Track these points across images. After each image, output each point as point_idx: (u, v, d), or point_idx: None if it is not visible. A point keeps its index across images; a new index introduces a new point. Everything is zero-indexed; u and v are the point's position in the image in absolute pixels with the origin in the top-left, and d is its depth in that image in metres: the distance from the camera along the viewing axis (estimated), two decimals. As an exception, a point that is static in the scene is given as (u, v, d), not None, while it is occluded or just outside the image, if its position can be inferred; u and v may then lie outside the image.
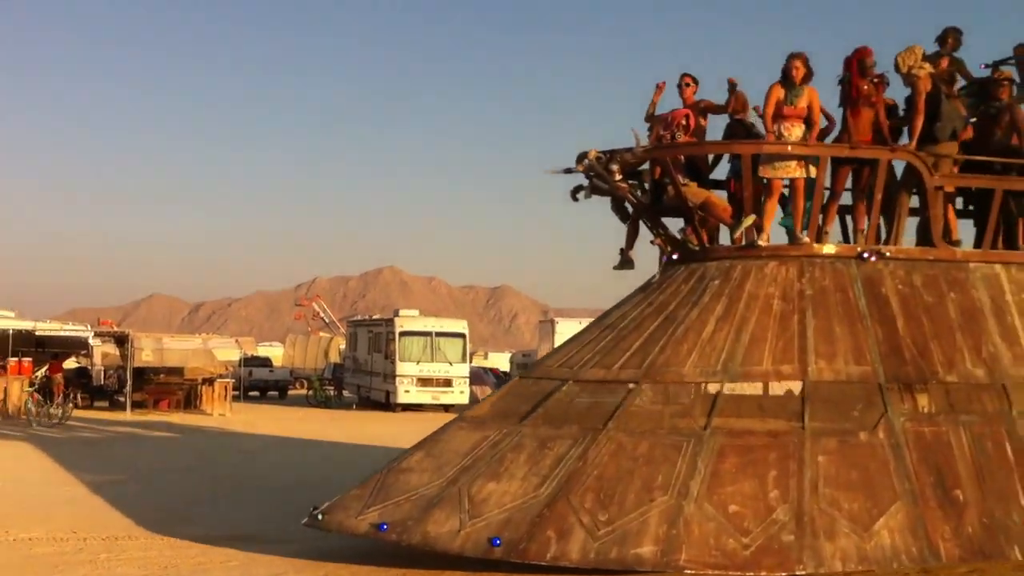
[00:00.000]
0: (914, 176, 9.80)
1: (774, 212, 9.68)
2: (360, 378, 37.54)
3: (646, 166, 10.11)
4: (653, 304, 9.77)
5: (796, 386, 8.91)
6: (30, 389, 26.92)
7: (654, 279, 10.19)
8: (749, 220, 9.52)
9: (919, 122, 9.72)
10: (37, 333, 31.48)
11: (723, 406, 8.77)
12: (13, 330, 29.39)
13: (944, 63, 11.17)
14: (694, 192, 9.63)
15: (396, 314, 34.97)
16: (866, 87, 9.57)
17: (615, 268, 10.67)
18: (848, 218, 10.51)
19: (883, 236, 10.11)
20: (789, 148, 9.42)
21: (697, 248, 10.03)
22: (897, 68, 9.71)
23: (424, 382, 32.15)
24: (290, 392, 44.24)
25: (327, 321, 75.06)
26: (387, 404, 33.26)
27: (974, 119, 10.48)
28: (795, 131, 9.42)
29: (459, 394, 32.12)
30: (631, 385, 9.01)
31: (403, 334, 32.39)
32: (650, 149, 9.56)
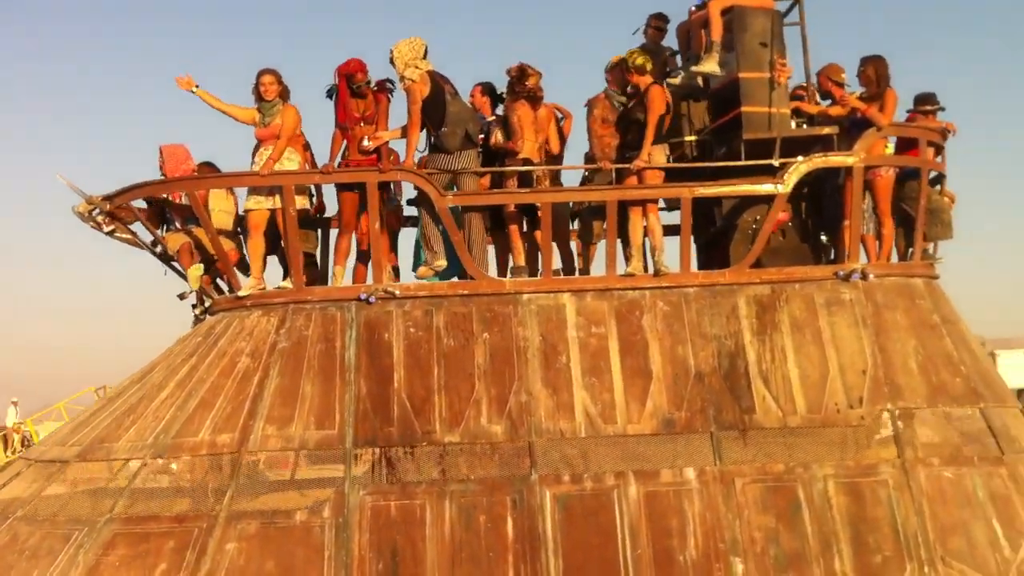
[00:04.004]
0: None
1: (260, 250, 8.25)
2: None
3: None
4: (145, 369, 8.54)
5: (228, 459, 7.39)
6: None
7: None
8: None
9: (414, 136, 8.12)
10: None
11: (137, 486, 7.38)
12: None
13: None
14: (172, 239, 8.40)
15: None
16: (362, 106, 8.12)
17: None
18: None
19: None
20: (265, 174, 8.01)
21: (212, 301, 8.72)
22: (393, 64, 8.17)
23: None
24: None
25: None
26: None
27: None
28: (266, 155, 8.04)
29: None
30: (58, 465, 7.78)
31: None
32: (110, 196, 8.39)
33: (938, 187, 9.04)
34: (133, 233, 8.68)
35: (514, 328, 7.96)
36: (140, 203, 8.65)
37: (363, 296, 7.95)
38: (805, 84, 9.19)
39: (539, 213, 8.21)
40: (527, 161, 8.60)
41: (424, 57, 8.04)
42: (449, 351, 7.84)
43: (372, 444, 7.45)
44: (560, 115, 9.15)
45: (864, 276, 8.26)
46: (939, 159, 9.01)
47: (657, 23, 9.90)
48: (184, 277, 8.62)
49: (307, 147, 8.56)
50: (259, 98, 8.11)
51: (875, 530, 7.32)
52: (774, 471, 7.49)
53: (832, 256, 9.03)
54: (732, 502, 7.35)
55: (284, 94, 8.14)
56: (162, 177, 8.42)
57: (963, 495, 7.46)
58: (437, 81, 8.06)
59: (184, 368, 8.00)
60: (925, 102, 8.97)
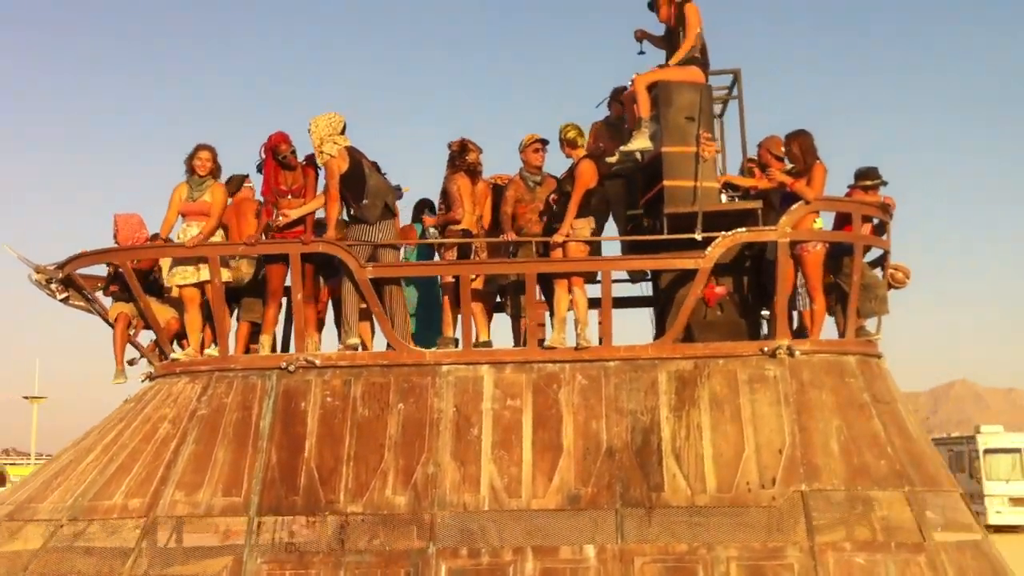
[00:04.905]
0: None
1: (197, 323, 8.52)
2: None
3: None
4: (89, 433, 8.83)
5: (135, 524, 7.59)
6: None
7: None
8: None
9: (333, 210, 8.35)
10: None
11: (51, 547, 7.61)
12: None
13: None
14: (112, 309, 8.76)
15: (977, 431, 32.58)
16: (290, 179, 8.44)
17: None
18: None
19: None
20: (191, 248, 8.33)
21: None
22: (310, 137, 8.43)
23: (1017, 501, 29.55)
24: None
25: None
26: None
27: None
28: (192, 231, 8.36)
29: None
30: (-10, 525, 8.09)
31: (988, 451, 30.44)
32: (61, 264, 8.79)
33: (882, 264, 8.84)
34: (88, 300, 9.06)
35: (430, 399, 8.03)
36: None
37: (283, 365, 8.14)
38: (754, 158, 9.16)
39: (460, 286, 8.34)
40: (466, 232, 8.75)
41: (342, 132, 8.30)
42: (363, 421, 7.94)
43: (276, 512, 7.57)
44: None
45: (791, 352, 8.10)
46: (884, 236, 8.82)
47: (621, 97, 9.93)
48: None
49: (259, 214, 8.88)
50: (191, 171, 8.45)
51: (777, 617, 7.08)
52: (676, 551, 7.33)
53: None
54: (629, 582, 7.20)
55: (215, 172, 8.48)
56: (114, 246, 8.77)
57: (873, 583, 7.18)
58: (355, 156, 8.31)
59: (112, 433, 8.27)
60: (865, 177, 8.80)
